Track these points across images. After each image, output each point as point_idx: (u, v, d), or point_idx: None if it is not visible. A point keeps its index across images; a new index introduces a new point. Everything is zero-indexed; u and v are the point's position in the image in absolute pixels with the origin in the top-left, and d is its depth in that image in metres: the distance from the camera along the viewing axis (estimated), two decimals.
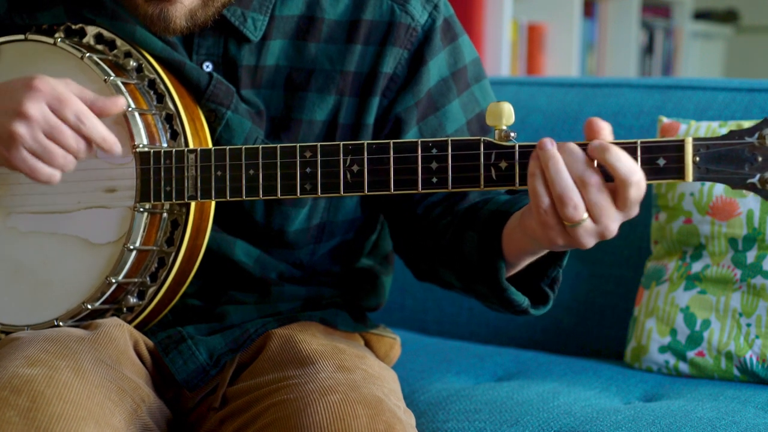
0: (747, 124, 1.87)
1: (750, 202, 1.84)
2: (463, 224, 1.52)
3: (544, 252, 1.44)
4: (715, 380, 1.84)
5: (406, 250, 1.65)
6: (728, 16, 5.58)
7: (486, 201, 1.54)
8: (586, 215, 1.31)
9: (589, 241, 1.33)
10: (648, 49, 4.94)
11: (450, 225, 1.55)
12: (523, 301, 1.47)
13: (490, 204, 1.51)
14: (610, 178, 1.31)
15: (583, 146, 1.33)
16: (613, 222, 1.32)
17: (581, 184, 1.30)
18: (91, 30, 1.58)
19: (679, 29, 5.15)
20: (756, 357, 1.81)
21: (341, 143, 1.44)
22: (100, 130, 1.45)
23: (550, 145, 1.32)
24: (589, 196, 1.30)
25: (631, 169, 1.29)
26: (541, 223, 1.33)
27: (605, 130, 1.33)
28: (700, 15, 5.43)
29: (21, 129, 1.42)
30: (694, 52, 5.36)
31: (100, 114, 1.46)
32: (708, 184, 1.86)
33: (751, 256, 1.84)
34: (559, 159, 1.31)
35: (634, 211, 1.32)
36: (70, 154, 1.45)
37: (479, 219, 1.49)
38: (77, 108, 1.43)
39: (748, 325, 1.83)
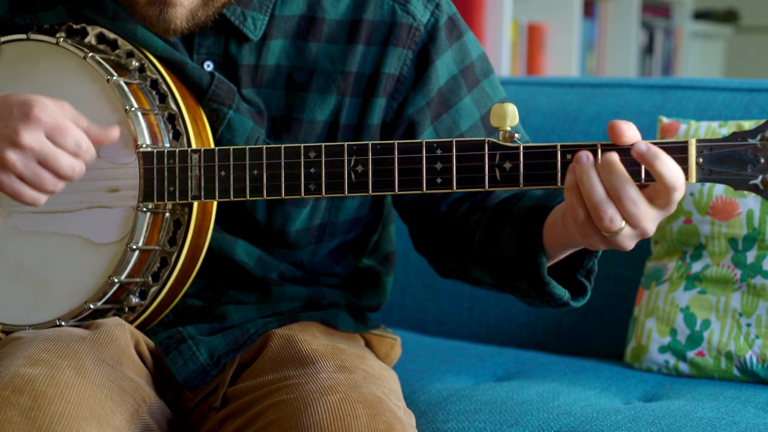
0: (747, 124, 1.88)
1: (750, 202, 1.84)
2: (497, 221, 1.51)
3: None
4: (715, 380, 1.84)
5: (430, 249, 1.65)
6: (728, 16, 5.58)
7: (518, 196, 1.53)
8: (623, 224, 1.32)
9: (630, 244, 1.35)
10: (648, 49, 4.94)
11: (480, 222, 1.54)
12: (564, 294, 1.46)
13: (525, 199, 1.51)
14: (646, 179, 1.32)
15: (586, 147, 1.33)
16: (651, 223, 1.33)
17: (616, 198, 1.31)
18: (93, 30, 1.58)
19: (679, 29, 5.15)
20: (756, 357, 1.81)
21: (345, 143, 1.44)
22: (93, 153, 1.46)
23: (585, 158, 1.32)
24: (624, 208, 1.31)
25: (677, 177, 1.30)
26: (581, 233, 1.35)
27: (630, 131, 1.33)
28: (700, 15, 5.43)
29: (13, 157, 1.42)
30: (694, 52, 5.36)
31: (93, 143, 1.47)
32: (708, 183, 1.86)
33: (751, 256, 1.84)
34: (593, 173, 1.31)
35: (673, 209, 1.33)
36: (62, 180, 1.46)
37: (515, 215, 1.49)
38: (77, 135, 1.44)
39: (748, 325, 1.83)
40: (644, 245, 2.02)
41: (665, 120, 1.98)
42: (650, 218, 1.33)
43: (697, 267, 1.89)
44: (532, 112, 2.17)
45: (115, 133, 1.47)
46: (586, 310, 2.08)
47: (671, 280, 1.91)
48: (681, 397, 1.75)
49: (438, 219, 1.61)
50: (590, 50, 4.48)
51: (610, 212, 1.31)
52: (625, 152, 1.33)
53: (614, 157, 1.31)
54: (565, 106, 2.16)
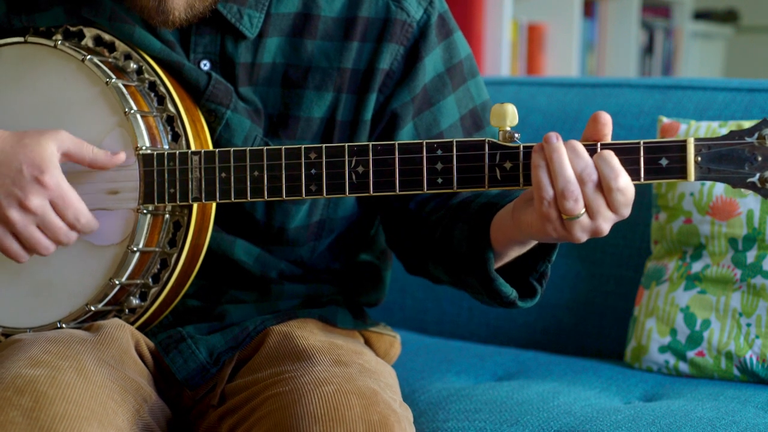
0: (747, 124, 1.88)
1: (750, 202, 1.84)
2: (454, 217, 1.53)
3: (533, 244, 1.47)
4: (715, 380, 1.84)
5: (398, 244, 1.66)
6: (728, 16, 5.58)
7: (477, 195, 1.56)
8: (583, 210, 1.33)
9: (582, 237, 1.36)
10: (648, 49, 4.94)
11: (442, 219, 1.56)
12: (511, 292, 1.48)
13: (481, 197, 1.53)
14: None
15: (587, 146, 1.35)
16: (606, 222, 1.35)
17: (581, 181, 1.33)
18: (90, 32, 1.58)
19: (679, 29, 5.15)
20: (756, 357, 1.81)
21: (346, 144, 1.44)
22: (92, 227, 1.49)
23: (555, 139, 1.34)
24: (587, 192, 1.33)
25: (614, 174, 1.33)
26: (542, 215, 1.35)
27: (608, 126, 1.36)
28: (700, 15, 5.43)
29: (16, 217, 1.46)
30: (694, 52, 5.36)
31: (100, 169, 1.49)
32: (708, 183, 1.87)
33: (751, 256, 1.84)
34: (564, 152, 1.34)
35: (625, 213, 1.35)
36: (56, 245, 1.49)
37: (469, 211, 1.51)
38: (77, 208, 1.47)
39: (748, 325, 1.83)
40: (644, 245, 2.02)
41: (665, 120, 1.98)
42: (606, 217, 1.35)
43: (697, 267, 1.89)
44: (532, 112, 2.17)
45: (121, 157, 1.49)
46: (586, 310, 2.08)
47: (671, 280, 1.91)
48: (681, 397, 1.76)
49: (407, 216, 1.62)
50: (590, 50, 4.48)
51: (576, 192, 1.33)
52: (622, 151, 1.34)
53: (578, 143, 1.34)
54: (565, 106, 2.16)
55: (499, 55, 3.69)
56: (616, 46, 4.62)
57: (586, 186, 1.33)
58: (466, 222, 1.50)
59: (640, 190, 2.04)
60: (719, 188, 1.86)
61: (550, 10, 4.08)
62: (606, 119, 1.36)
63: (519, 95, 2.21)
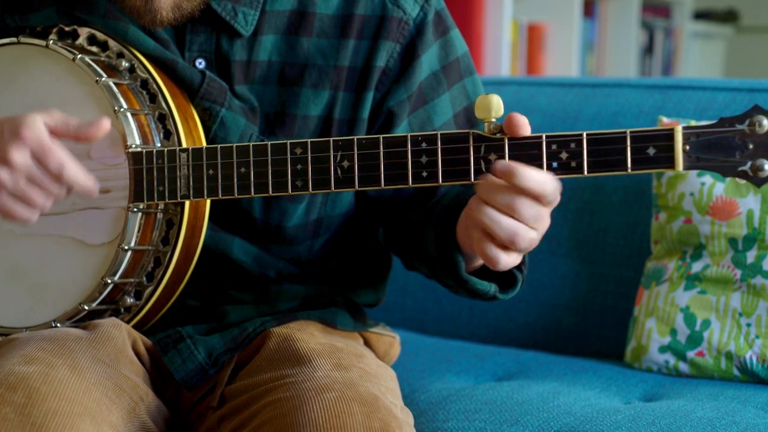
0: None
1: (750, 202, 1.84)
2: (425, 220, 1.54)
3: None
4: (715, 380, 1.84)
5: (394, 242, 1.67)
6: (728, 16, 5.58)
7: (444, 195, 1.56)
8: (534, 233, 1.34)
9: (534, 246, 1.37)
10: (648, 49, 4.94)
11: (418, 222, 1.57)
12: (489, 288, 1.49)
13: (445, 198, 1.54)
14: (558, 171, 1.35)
15: (532, 138, 1.35)
16: (548, 219, 1.36)
17: (513, 211, 1.33)
18: (84, 31, 1.57)
19: (679, 29, 5.15)
20: (756, 357, 1.81)
21: (331, 139, 1.44)
22: (79, 177, 1.46)
23: (476, 203, 1.35)
24: (526, 215, 1.33)
25: (542, 185, 1.32)
26: (505, 266, 1.37)
27: (525, 128, 1.35)
28: (700, 15, 5.43)
29: (4, 175, 1.44)
30: (694, 52, 5.36)
31: (86, 140, 1.47)
32: (708, 183, 1.86)
33: (751, 256, 1.84)
34: (491, 209, 1.33)
35: (557, 199, 1.35)
36: (50, 197, 1.47)
37: (436, 214, 1.52)
38: (59, 157, 1.44)
39: (748, 325, 1.83)
40: (644, 245, 2.02)
41: (665, 120, 1.98)
42: (546, 215, 1.35)
43: (697, 267, 1.89)
44: (532, 112, 2.16)
45: (105, 124, 1.46)
46: (586, 310, 2.08)
47: (671, 280, 1.91)
48: (681, 397, 1.75)
49: (398, 214, 1.63)
50: (590, 50, 4.48)
51: (522, 232, 1.33)
52: (608, 141, 1.33)
53: (490, 179, 1.34)
54: (565, 106, 2.16)
55: (499, 55, 3.69)
56: (616, 46, 4.62)
57: (522, 212, 1.32)
58: (433, 226, 1.51)
59: (640, 189, 2.05)
60: (719, 188, 1.86)
61: (550, 10, 4.08)
62: (522, 122, 1.35)
63: (519, 95, 2.21)
